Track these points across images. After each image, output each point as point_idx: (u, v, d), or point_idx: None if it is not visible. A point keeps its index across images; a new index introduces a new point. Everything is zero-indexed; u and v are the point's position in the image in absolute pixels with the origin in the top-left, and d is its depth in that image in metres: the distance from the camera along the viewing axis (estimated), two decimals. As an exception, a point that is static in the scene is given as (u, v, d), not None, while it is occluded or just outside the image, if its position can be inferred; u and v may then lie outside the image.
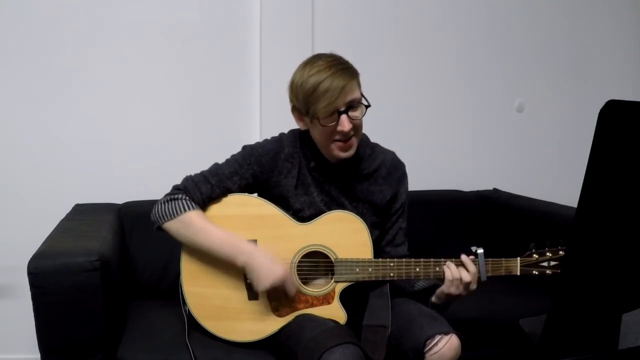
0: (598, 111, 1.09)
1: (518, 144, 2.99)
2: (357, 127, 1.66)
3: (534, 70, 2.97)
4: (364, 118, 1.69)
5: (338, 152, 1.68)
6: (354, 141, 1.68)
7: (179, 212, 1.66)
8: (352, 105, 1.63)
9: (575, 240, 1.17)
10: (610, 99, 1.09)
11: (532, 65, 2.97)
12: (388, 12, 2.76)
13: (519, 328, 1.91)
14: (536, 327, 1.83)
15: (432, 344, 1.55)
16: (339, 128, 1.62)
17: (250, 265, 1.64)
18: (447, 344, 1.55)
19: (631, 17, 3.11)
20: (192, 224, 1.66)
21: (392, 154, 1.86)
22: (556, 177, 2.97)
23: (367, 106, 1.67)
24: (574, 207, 1.14)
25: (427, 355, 1.56)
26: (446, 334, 1.57)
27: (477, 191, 2.81)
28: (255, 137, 2.49)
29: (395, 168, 1.83)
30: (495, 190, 2.85)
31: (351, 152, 1.69)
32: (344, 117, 1.62)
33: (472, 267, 1.67)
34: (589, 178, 1.11)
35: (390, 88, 2.78)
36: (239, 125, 2.61)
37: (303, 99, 1.63)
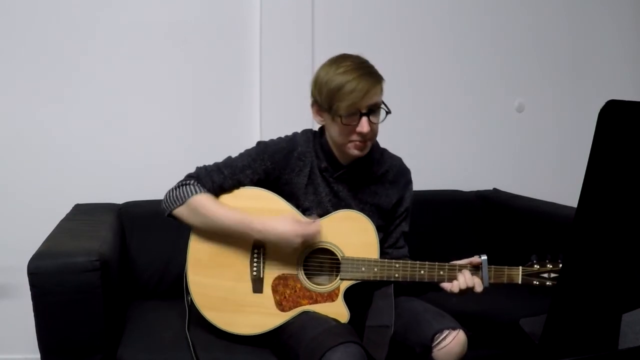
0: (598, 111, 1.09)
1: (518, 144, 2.99)
2: (374, 131, 1.71)
3: (534, 70, 2.97)
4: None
5: (353, 150, 1.70)
6: (369, 143, 1.72)
7: (188, 195, 1.68)
8: (373, 109, 1.67)
9: (575, 240, 1.17)
10: (610, 99, 1.09)
11: (532, 65, 2.97)
12: (388, 12, 2.76)
13: (519, 328, 1.91)
14: (536, 327, 1.83)
15: (441, 338, 1.57)
16: (358, 129, 1.65)
17: (267, 234, 1.66)
18: (454, 338, 1.57)
19: (631, 17, 3.11)
20: (201, 205, 1.68)
21: (399, 159, 1.90)
22: (556, 177, 2.97)
23: (388, 112, 1.70)
24: (574, 207, 1.14)
25: (435, 350, 1.57)
26: (454, 329, 1.59)
27: (477, 191, 2.81)
28: (255, 136, 2.49)
29: (401, 174, 1.87)
30: (495, 190, 2.85)
31: (365, 152, 1.73)
32: (364, 119, 1.65)
33: (468, 276, 1.68)
34: (589, 178, 1.11)
35: (390, 88, 2.75)
36: (239, 125, 2.61)
37: (327, 96, 1.65)
